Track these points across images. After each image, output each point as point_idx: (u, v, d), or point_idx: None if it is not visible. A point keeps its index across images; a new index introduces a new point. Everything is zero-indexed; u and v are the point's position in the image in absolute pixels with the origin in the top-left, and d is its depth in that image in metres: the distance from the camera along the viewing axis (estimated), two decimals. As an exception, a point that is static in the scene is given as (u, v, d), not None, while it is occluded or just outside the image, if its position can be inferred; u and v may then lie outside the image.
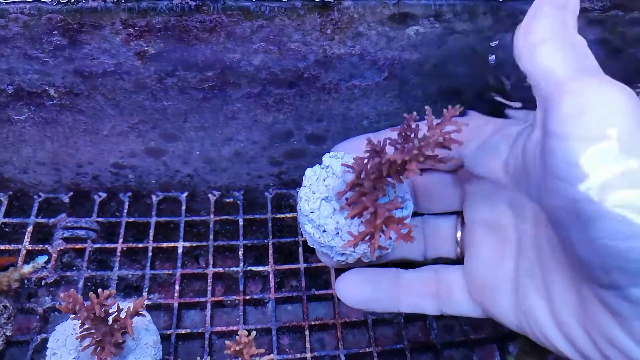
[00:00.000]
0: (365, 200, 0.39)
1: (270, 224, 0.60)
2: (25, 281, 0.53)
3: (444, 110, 0.38)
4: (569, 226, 0.33)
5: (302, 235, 0.45)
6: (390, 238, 0.40)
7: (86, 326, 0.40)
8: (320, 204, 0.42)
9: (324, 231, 0.42)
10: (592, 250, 0.32)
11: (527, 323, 0.40)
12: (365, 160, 0.40)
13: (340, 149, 0.47)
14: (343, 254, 0.43)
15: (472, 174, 0.44)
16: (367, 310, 0.47)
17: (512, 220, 0.43)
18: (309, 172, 0.44)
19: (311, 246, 0.44)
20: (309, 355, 0.52)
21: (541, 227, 0.40)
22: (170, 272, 0.56)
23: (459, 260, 0.47)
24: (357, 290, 0.45)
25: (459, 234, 0.47)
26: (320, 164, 0.44)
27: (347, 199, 0.41)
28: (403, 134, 0.38)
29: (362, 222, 0.41)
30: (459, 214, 0.48)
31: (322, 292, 0.56)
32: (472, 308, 0.45)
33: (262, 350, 0.36)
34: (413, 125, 0.38)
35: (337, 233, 0.42)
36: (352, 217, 0.41)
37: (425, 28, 0.46)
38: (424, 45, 0.48)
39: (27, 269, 0.53)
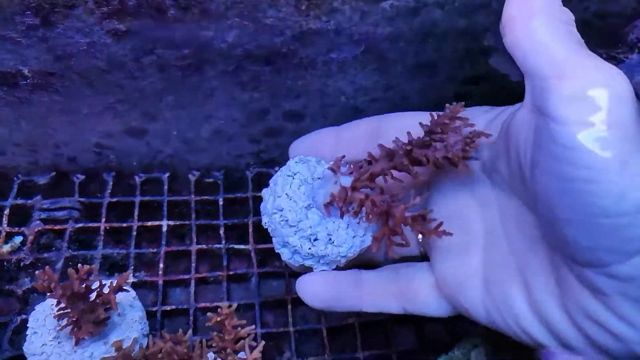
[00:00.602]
0: (374, 201, 0.39)
1: (251, 203, 0.60)
2: (5, 263, 0.53)
3: (448, 106, 0.39)
4: (558, 206, 0.33)
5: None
6: (417, 235, 0.40)
7: (62, 305, 0.41)
8: (307, 213, 0.42)
9: (316, 239, 0.42)
10: (582, 229, 0.33)
11: (499, 313, 0.40)
12: (360, 164, 0.41)
13: (299, 146, 0.47)
14: (329, 262, 0.43)
15: (438, 171, 0.45)
16: (328, 311, 0.47)
17: (478, 213, 0.43)
18: (279, 180, 0.43)
19: (287, 261, 0.44)
20: (291, 329, 0.52)
21: (509, 216, 0.41)
22: (155, 250, 0.56)
23: (423, 258, 0.48)
24: (318, 291, 0.45)
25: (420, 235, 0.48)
26: (279, 169, 0.45)
27: (344, 202, 0.41)
28: (433, 127, 0.39)
29: (359, 221, 0.42)
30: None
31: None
32: (438, 306, 0.45)
33: (243, 322, 0.37)
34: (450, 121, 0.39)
35: (330, 239, 0.42)
36: (356, 216, 0.41)
37: (399, 1, 0.47)
38: (399, 18, 0.48)
39: (5, 248, 0.53)
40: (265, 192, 0.45)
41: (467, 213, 0.44)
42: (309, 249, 0.42)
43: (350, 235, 0.42)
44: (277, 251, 0.44)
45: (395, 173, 0.41)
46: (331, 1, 0.46)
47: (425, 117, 0.43)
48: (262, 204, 0.45)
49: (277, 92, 0.53)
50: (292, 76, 0.52)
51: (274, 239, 0.44)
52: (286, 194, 0.42)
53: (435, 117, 0.40)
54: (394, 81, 0.54)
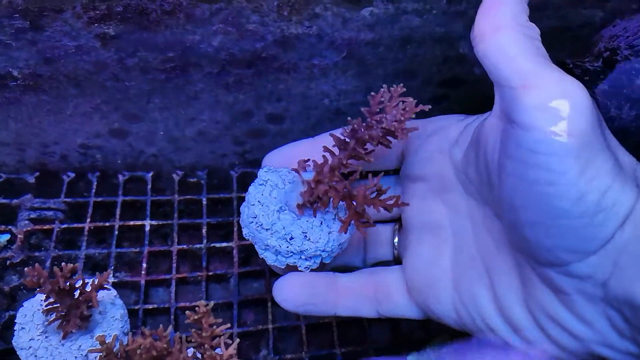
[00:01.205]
0: (336, 188, 0.41)
1: (235, 203, 0.61)
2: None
3: (389, 88, 0.40)
4: (522, 208, 0.35)
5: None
6: (378, 211, 0.42)
7: (51, 300, 0.42)
8: (279, 215, 0.43)
9: (292, 238, 0.43)
10: (544, 231, 0.35)
11: (468, 314, 0.42)
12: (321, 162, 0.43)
13: (273, 158, 0.48)
14: (311, 257, 0.44)
15: (411, 176, 0.47)
16: (303, 314, 0.48)
17: (447, 217, 0.45)
18: (251, 189, 0.45)
19: (272, 264, 0.45)
20: (270, 326, 0.53)
21: (478, 220, 0.42)
22: (138, 250, 0.57)
23: (396, 262, 0.50)
24: (293, 294, 0.46)
25: (396, 239, 0.49)
26: (256, 180, 0.46)
27: (309, 201, 0.43)
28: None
29: (334, 217, 0.44)
30: (397, 220, 0.50)
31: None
32: (410, 308, 0.46)
33: (219, 320, 0.38)
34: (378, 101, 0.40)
35: (305, 236, 0.43)
36: (323, 210, 0.43)
37: (379, 9, 0.48)
38: (379, 25, 0.49)
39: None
40: (242, 207, 0.46)
41: (437, 218, 0.45)
42: (287, 247, 0.43)
43: (325, 232, 0.43)
44: (261, 257, 0.45)
45: (353, 162, 0.42)
46: (313, 7, 0.47)
47: None
48: (240, 218, 0.46)
49: (260, 95, 0.55)
50: (273, 79, 0.53)
51: (256, 246, 0.45)
52: (258, 201, 0.44)
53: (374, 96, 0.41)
54: (374, 85, 0.55)
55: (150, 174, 0.62)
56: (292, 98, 0.55)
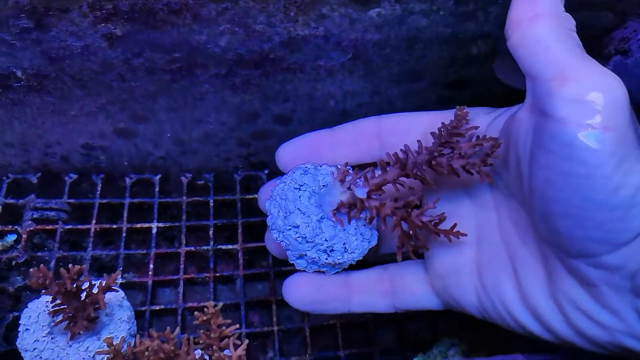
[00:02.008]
0: (392, 208, 0.40)
1: (239, 205, 0.61)
2: (-4, 262, 0.54)
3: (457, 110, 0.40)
4: (555, 200, 0.35)
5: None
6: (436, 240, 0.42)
7: (58, 301, 0.42)
8: (321, 226, 0.42)
9: (332, 251, 0.43)
10: (576, 222, 0.35)
11: (491, 303, 0.42)
12: (367, 171, 0.42)
13: (289, 150, 0.47)
14: (342, 266, 0.44)
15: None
16: (314, 313, 0.47)
17: (471, 209, 0.45)
18: (290, 194, 0.43)
19: (301, 268, 0.45)
20: (275, 328, 0.53)
21: (504, 213, 0.42)
22: (145, 251, 0.57)
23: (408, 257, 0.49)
24: (303, 294, 0.46)
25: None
26: (282, 180, 0.45)
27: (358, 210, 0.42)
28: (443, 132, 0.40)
29: (369, 225, 0.43)
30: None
31: (289, 268, 0.57)
32: (429, 298, 0.46)
33: (228, 321, 0.38)
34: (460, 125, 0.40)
35: (345, 249, 0.43)
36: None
37: (386, 10, 0.48)
38: (386, 26, 0.49)
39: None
40: (271, 206, 0.45)
41: (460, 211, 0.45)
42: (326, 259, 0.43)
43: (359, 240, 0.43)
44: (291, 262, 0.45)
45: (405, 180, 0.42)
46: (320, 8, 0.47)
47: (422, 118, 0.45)
48: (268, 218, 0.45)
49: (267, 95, 0.54)
50: (280, 80, 0.53)
51: (288, 252, 0.44)
52: (298, 208, 0.43)
53: (447, 125, 0.40)
54: (380, 86, 0.55)
55: (158, 177, 0.62)
56: (298, 99, 0.55)
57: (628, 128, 0.33)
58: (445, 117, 0.42)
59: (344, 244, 0.43)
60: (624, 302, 0.35)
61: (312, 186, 0.44)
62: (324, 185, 0.44)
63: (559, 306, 0.38)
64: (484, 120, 0.44)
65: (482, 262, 0.43)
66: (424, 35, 0.50)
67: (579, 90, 0.33)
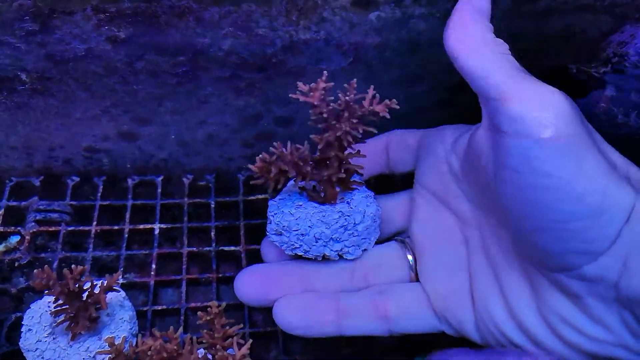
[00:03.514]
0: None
1: (241, 206, 0.61)
2: (-1, 263, 0.55)
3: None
4: (525, 216, 0.36)
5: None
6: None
7: (60, 302, 0.42)
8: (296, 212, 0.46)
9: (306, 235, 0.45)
10: (550, 236, 0.35)
11: (484, 324, 0.42)
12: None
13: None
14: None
15: (423, 185, 0.47)
16: (303, 336, 0.47)
17: (459, 229, 0.45)
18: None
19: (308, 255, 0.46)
20: (279, 328, 0.53)
21: (485, 229, 0.43)
22: (147, 252, 0.57)
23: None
24: (294, 319, 0.46)
25: (410, 256, 0.48)
26: None
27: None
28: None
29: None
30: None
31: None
32: (428, 322, 0.46)
33: (232, 320, 0.38)
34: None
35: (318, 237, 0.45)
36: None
37: (386, 13, 0.48)
38: (386, 30, 0.49)
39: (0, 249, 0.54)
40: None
41: (450, 230, 0.45)
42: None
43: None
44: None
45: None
46: (321, 11, 0.47)
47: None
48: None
49: (269, 98, 0.55)
50: (282, 83, 0.53)
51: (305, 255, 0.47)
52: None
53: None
54: (381, 89, 0.55)
55: (160, 178, 0.62)
56: (300, 102, 0.55)
57: (579, 133, 0.34)
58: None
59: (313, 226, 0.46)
60: (610, 312, 0.35)
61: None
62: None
63: (547, 321, 0.38)
64: (452, 137, 0.45)
65: (473, 286, 0.43)
66: (424, 39, 0.51)
67: (523, 108, 0.34)
